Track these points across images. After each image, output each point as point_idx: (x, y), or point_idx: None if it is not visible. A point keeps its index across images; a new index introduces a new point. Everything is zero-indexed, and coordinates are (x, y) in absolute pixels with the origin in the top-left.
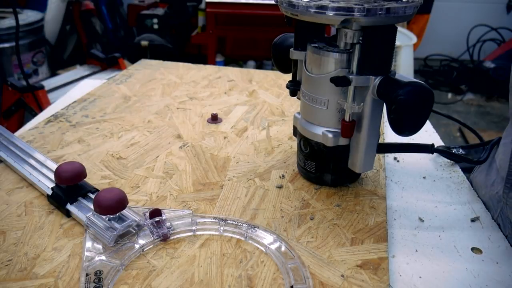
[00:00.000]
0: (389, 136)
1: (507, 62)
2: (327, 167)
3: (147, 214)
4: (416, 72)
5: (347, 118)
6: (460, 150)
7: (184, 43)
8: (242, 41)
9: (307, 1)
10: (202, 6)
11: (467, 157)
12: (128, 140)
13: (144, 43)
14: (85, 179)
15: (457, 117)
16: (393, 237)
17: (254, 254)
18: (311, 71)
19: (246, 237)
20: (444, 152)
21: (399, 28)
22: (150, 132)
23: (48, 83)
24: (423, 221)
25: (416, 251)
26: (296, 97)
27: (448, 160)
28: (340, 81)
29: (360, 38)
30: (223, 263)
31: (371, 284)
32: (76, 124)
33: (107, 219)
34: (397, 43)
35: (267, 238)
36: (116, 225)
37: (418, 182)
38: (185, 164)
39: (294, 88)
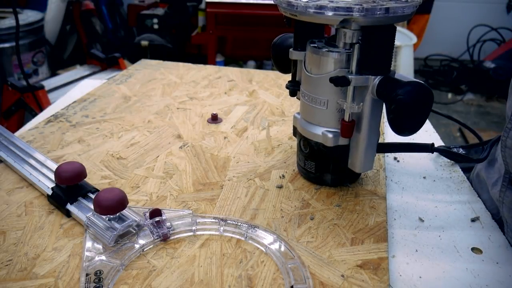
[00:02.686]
0: (389, 136)
1: (507, 62)
2: (327, 167)
3: (147, 214)
4: (416, 72)
5: (346, 118)
6: (461, 149)
7: (184, 43)
8: (242, 41)
9: (306, 1)
10: (202, 6)
11: (467, 156)
12: (128, 140)
13: (144, 43)
14: (85, 179)
15: (457, 117)
16: (393, 237)
17: (254, 254)
18: (311, 71)
19: (246, 237)
20: (444, 151)
21: (399, 28)
22: (150, 132)
23: (48, 83)
24: (423, 221)
25: (416, 251)
26: (296, 97)
27: (448, 160)
28: (339, 81)
29: (359, 38)
30: (223, 263)
31: (371, 284)
32: (76, 124)
33: (107, 219)
34: (397, 43)
35: (267, 238)
36: (116, 225)
37: (418, 182)
38: (185, 164)
39: (293, 88)
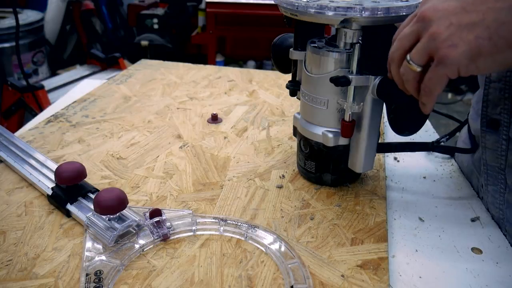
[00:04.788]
0: (389, 136)
1: None
2: (327, 167)
3: (147, 214)
4: None
5: (347, 118)
6: (445, 139)
7: (184, 43)
8: (242, 41)
9: (306, 1)
10: (202, 6)
11: (462, 148)
12: (128, 140)
13: (144, 43)
14: (85, 179)
15: (457, 117)
16: (393, 237)
17: (254, 254)
18: (311, 71)
19: (246, 237)
20: (444, 148)
21: None
22: (150, 132)
23: (48, 83)
24: (423, 221)
25: (416, 251)
26: (296, 97)
27: (448, 160)
28: (340, 81)
29: (360, 38)
30: (223, 263)
31: (371, 284)
32: (76, 124)
33: (107, 219)
34: None
35: (267, 238)
36: (116, 225)
37: (418, 182)
38: (185, 164)
39: (294, 88)
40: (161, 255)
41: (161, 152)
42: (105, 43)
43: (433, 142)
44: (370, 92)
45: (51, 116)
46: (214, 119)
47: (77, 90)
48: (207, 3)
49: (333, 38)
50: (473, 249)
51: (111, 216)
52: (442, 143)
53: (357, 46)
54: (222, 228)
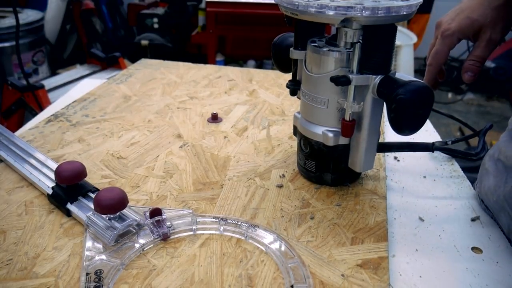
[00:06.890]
0: (389, 135)
1: (507, 62)
2: (327, 166)
3: (147, 214)
4: (416, 71)
5: (347, 118)
6: (450, 141)
7: (184, 42)
8: (242, 41)
9: (307, 1)
10: (202, 5)
11: (466, 151)
12: (128, 139)
13: (144, 42)
14: (85, 179)
15: (457, 116)
16: (393, 236)
17: (254, 253)
18: (311, 70)
19: (246, 236)
20: (444, 149)
21: (400, 28)
22: (150, 132)
23: (48, 83)
24: (423, 220)
25: (416, 250)
26: (296, 96)
27: (448, 160)
28: (340, 81)
29: (360, 37)
30: (223, 262)
31: (371, 284)
32: (76, 123)
33: (107, 218)
34: (397, 42)
35: (267, 238)
36: (117, 224)
37: (418, 181)
38: (185, 163)
39: (294, 87)
40: (161, 254)
41: (161, 151)
42: (105, 42)
43: (433, 143)
44: (370, 92)
45: (51, 115)
46: (214, 118)
47: (77, 90)
48: (207, 2)
49: (334, 37)
50: (473, 248)
51: (111, 216)
52: (448, 142)
53: (357, 45)
54: (222, 227)
